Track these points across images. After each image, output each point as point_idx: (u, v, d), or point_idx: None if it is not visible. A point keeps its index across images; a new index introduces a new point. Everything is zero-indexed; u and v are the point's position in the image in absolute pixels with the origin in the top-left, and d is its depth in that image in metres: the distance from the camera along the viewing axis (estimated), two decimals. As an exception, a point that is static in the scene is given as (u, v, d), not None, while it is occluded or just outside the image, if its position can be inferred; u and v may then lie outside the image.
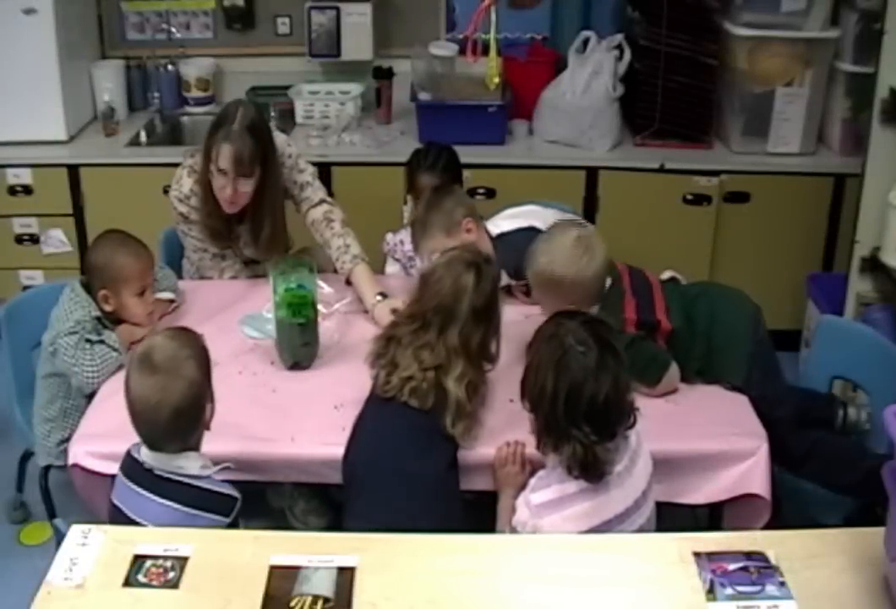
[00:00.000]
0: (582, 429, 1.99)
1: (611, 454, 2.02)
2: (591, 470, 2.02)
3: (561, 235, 2.55)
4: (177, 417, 2.06)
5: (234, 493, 2.14)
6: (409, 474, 2.24)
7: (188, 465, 2.11)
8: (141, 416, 2.08)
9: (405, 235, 3.08)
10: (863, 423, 2.65)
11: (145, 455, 2.11)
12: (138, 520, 2.08)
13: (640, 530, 2.11)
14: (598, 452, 2.00)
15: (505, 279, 2.87)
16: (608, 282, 2.57)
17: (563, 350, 2.02)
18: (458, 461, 2.32)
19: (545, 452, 2.11)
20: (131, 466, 2.14)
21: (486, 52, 2.84)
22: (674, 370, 2.52)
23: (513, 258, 2.79)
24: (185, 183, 3.00)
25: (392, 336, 2.35)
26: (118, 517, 2.12)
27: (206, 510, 2.08)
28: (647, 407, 2.41)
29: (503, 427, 2.33)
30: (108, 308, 2.67)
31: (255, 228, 3.04)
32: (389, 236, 3.19)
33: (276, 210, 3.06)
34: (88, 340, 2.58)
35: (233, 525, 2.12)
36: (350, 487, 2.30)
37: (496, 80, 2.88)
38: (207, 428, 2.17)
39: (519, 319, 2.68)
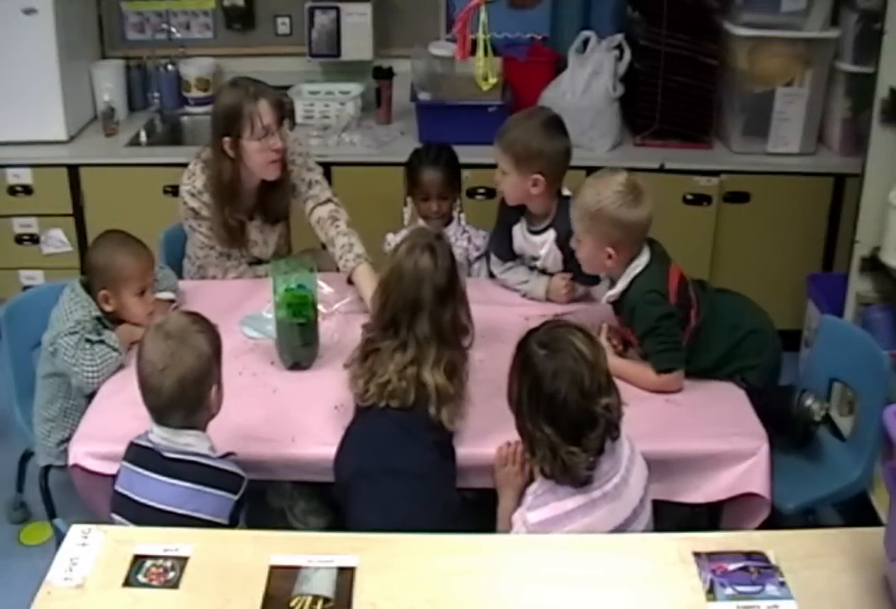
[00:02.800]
0: (544, 430, 1.99)
1: (577, 458, 1.98)
2: (568, 475, 1.99)
3: (611, 174, 2.54)
4: (181, 385, 2.10)
5: (241, 472, 2.17)
6: (396, 473, 2.22)
7: (197, 444, 2.15)
8: (147, 382, 2.12)
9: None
10: (815, 411, 2.55)
11: (154, 434, 2.15)
12: (145, 501, 2.11)
13: (639, 533, 2.11)
14: (564, 457, 1.97)
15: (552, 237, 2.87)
16: (658, 249, 2.56)
17: (526, 353, 2.04)
18: (453, 451, 2.31)
19: (532, 462, 2.10)
20: (138, 453, 2.17)
21: (475, 51, 2.81)
22: (681, 374, 2.52)
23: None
24: (198, 178, 3.00)
25: (371, 351, 2.34)
26: (123, 506, 2.14)
27: (213, 486, 2.11)
28: (648, 407, 2.43)
29: (503, 427, 2.31)
30: (108, 308, 2.67)
31: (268, 220, 3.09)
32: (390, 236, 3.18)
33: (286, 207, 3.12)
34: (88, 340, 2.58)
35: (240, 503, 2.14)
36: (343, 498, 2.28)
37: (490, 81, 2.84)
38: (213, 411, 2.20)
39: (519, 321, 2.67)
